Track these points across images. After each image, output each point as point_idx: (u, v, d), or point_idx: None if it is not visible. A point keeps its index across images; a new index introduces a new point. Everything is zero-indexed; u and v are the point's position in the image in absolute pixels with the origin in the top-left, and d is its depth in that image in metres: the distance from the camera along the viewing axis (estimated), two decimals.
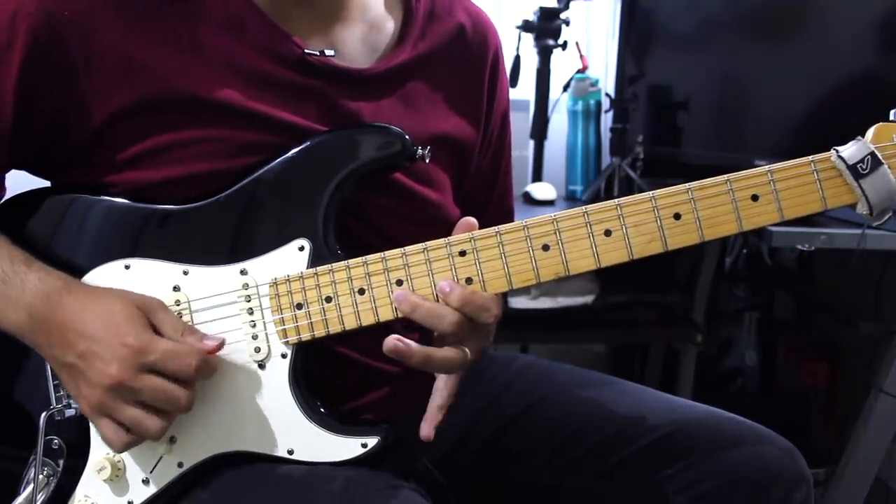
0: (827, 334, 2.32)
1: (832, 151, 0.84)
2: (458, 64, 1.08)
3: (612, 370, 2.42)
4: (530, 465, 1.08)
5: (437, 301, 0.88)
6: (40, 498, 0.91)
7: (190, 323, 0.91)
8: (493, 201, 1.19)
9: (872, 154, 0.82)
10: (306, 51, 0.96)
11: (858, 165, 0.82)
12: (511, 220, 1.22)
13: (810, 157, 0.84)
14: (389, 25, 1.04)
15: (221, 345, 0.89)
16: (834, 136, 1.73)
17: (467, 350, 0.90)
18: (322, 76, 0.97)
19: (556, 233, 0.87)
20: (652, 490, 1.01)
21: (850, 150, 0.83)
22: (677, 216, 0.85)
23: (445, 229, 1.07)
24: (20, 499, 0.90)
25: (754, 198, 0.84)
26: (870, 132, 0.84)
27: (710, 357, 2.37)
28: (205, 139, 0.93)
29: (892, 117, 0.85)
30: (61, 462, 0.92)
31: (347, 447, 0.90)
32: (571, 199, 2.06)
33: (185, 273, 0.92)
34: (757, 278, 2.31)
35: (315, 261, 0.90)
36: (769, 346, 2.36)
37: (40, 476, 0.91)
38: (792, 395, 2.30)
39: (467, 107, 1.09)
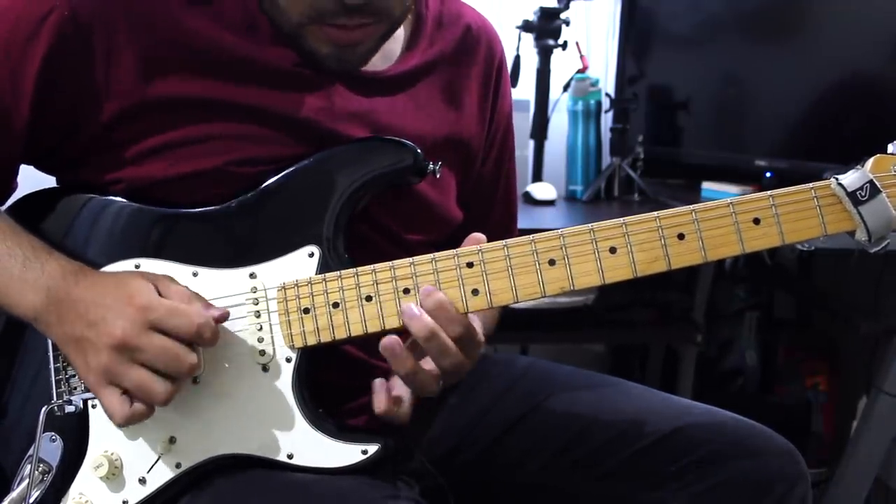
0: (827, 334, 2.31)
1: (832, 179, 0.86)
2: (465, 68, 1.11)
3: (612, 370, 2.42)
4: (532, 466, 1.08)
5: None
6: (34, 495, 0.90)
7: None
8: (496, 205, 1.20)
9: (871, 182, 0.85)
10: None
11: (858, 192, 0.84)
12: (515, 226, 1.24)
13: (811, 185, 0.86)
14: (400, 32, 1.06)
15: (225, 316, 0.88)
16: (833, 137, 1.74)
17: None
18: (339, 76, 0.99)
19: (562, 248, 0.87)
20: (655, 489, 1.02)
21: (850, 178, 0.85)
22: (681, 236, 0.86)
23: (445, 230, 1.08)
24: (13, 495, 0.89)
25: (756, 221, 0.86)
26: (869, 162, 0.86)
27: (710, 357, 2.37)
28: (216, 136, 0.93)
29: (890, 150, 0.87)
30: (58, 458, 0.92)
31: (347, 453, 0.89)
32: (572, 199, 2.05)
33: (195, 275, 0.92)
34: (757, 278, 2.31)
35: (324, 268, 0.91)
36: (769, 346, 2.36)
37: (36, 472, 0.90)
38: (792, 395, 2.30)
39: (473, 108, 1.11)
